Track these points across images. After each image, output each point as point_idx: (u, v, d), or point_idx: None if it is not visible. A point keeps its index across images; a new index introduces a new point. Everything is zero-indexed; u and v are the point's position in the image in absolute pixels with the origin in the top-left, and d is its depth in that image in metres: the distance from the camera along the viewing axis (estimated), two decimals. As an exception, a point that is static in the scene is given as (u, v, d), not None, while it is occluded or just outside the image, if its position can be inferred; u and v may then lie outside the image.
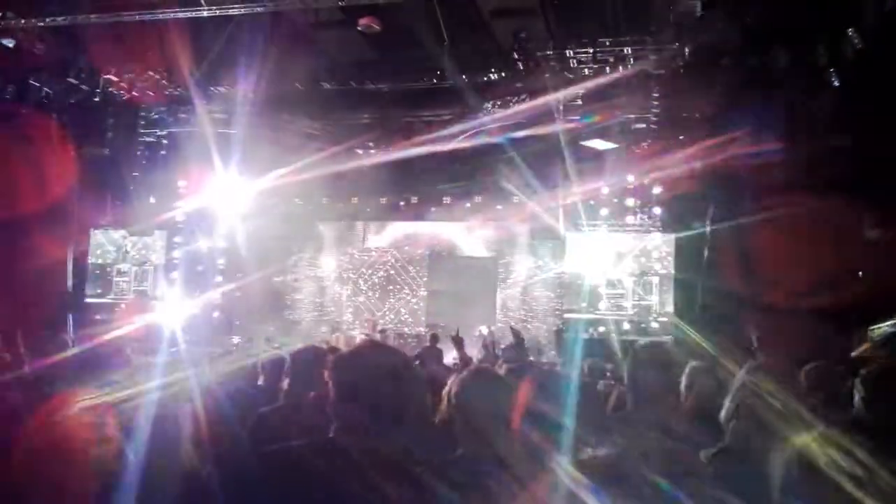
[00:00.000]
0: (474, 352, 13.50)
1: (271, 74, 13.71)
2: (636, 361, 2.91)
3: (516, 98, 14.71)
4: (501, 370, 2.86)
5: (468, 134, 15.40)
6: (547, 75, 13.65)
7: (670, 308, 14.40)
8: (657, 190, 14.86)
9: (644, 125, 14.18)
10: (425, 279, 18.20)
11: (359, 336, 16.59)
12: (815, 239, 10.11)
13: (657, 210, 14.98)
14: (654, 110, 13.94)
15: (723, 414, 2.74)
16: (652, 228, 14.95)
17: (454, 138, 15.30)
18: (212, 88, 15.03)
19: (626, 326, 14.58)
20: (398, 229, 18.63)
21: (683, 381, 3.00)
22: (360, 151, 16.20)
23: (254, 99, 14.35)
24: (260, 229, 16.20)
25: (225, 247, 16.51)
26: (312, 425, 2.38)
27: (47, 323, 10.39)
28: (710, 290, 12.93)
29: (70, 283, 15.43)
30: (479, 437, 2.13)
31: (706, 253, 13.46)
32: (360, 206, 17.13)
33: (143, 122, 15.41)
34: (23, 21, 12.70)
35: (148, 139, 15.59)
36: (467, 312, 17.30)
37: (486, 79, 14.37)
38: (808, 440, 1.46)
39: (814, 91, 10.76)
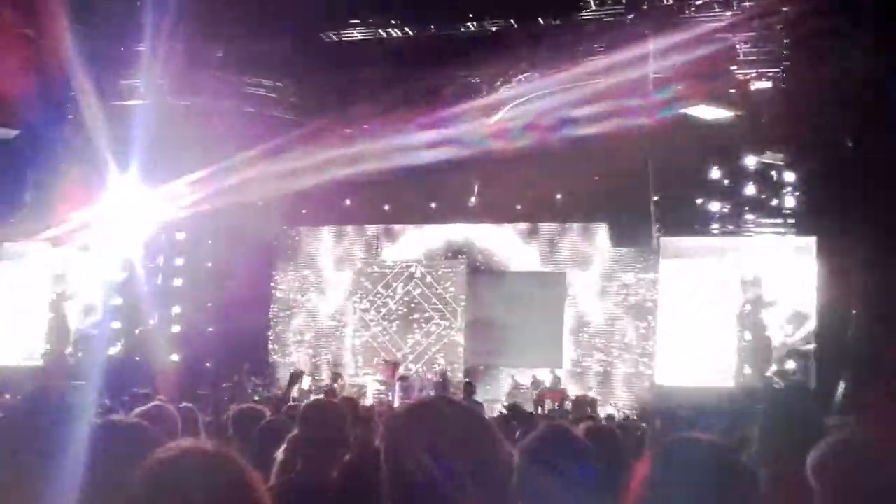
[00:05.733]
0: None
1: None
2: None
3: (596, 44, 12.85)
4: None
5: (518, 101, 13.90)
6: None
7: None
8: (791, 173, 13.61)
9: (769, 84, 12.84)
10: (464, 304, 16.34)
11: (371, 384, 15.02)
12: None
13: (791, 201, 13.73)
14: (784, 63, 12.46)
15: None
16: (783, 229, 13.81)
17: (500, 107, 13.87)
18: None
19: (747, 372, 12.99)
20: (424, 236, 16.95)
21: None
22: (366, 127, 14.10)
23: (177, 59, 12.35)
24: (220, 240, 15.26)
25: (180, 265, 15.16)
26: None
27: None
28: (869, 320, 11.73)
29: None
30: None
31: (865, 263, 12.02)
32: (367, 203, 15.58)
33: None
34: None
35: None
36: (523, 350, 15.48)
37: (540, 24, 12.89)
38: None
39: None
